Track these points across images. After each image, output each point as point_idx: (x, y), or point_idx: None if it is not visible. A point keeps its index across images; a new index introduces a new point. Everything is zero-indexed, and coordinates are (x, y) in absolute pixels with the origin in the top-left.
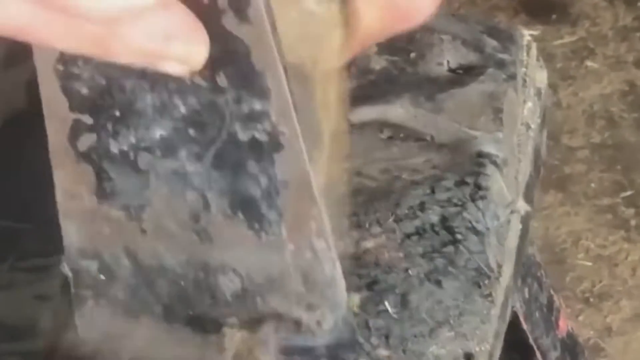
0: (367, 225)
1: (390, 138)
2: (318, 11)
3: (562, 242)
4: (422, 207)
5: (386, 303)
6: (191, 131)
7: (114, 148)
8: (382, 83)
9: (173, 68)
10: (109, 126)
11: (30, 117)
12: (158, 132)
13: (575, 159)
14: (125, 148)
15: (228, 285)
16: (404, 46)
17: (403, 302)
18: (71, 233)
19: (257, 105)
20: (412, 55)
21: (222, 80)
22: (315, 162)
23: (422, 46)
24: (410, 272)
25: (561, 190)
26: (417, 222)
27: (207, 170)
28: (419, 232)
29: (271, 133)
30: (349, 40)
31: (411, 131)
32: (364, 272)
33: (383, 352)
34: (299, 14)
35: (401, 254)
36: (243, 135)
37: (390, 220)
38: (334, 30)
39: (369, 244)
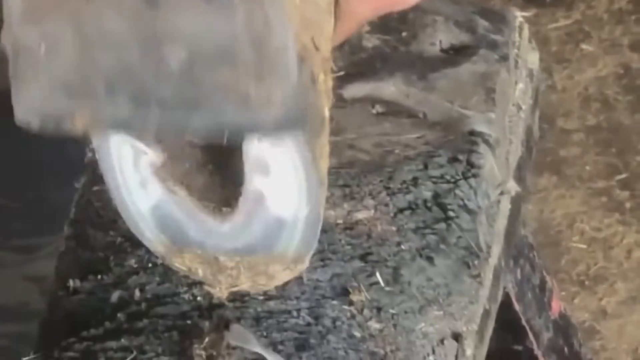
0: (359, 197)
1: (382, 114)
2: None
3: (557, 224)
4: (415, 182)
5: (378, 275)
6: None
7: None
8: (374, 61)
9: None
10: None
11: None
12: None
13: (571, 142)
14: None
15: (174, 55)
16: (396, 25)
17: (395, 275)
18: (12, 5)
19: None
20: (405, 34)
21: None
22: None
23: (414, 26)
24: (402, 246)
25: (556, 173)
26: (409, 197)
27: None
28: (412, 207)
29: None
30: (339, 23)
31: (403, 108)
32: (356, 243)
33: (375, 325)
34: (301, 2)
35: (394, 228)
36: None
37: (383, 193)
38: (329, 16)
39: (361, 215)
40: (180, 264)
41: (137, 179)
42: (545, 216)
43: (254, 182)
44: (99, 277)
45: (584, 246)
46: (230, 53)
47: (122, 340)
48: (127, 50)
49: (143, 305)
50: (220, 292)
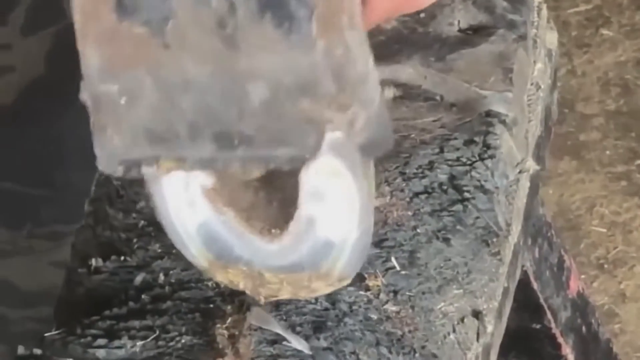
0: (376, 185)
1: (399, 98)
2: None
3: (577, 208)
4: (430, 166)
5: (393, 260)
6: None
7: None
8: (392, 43)
9: None
10: None
11: (49, 84)
12: None
13: (590, 127)
14: None
15: (256, 92)
16: None
17: (411, 259)
18: (90, 56)
19: None
20: (423, 15)
21: None
22: None
23: (433, 6)
24: (418, 230)
25: (576, 157)
26: (425, 181)
27: None
28: (428, 191)
29: None
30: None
31: (421, 91)
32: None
33: (392, 307)
34: None
35: (410, 213)
36: None
37: (399, 179)
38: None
39: (377, 202)
40: (222, 277)
41: (186, 199)
42: (565, 200)
43: (307, 208)
44: (122, 258)
45: (603, 230)
46: (312, 85)
47: (146, 320)
48: (208, 92)
49: (167, 288)
50: (258, 299)
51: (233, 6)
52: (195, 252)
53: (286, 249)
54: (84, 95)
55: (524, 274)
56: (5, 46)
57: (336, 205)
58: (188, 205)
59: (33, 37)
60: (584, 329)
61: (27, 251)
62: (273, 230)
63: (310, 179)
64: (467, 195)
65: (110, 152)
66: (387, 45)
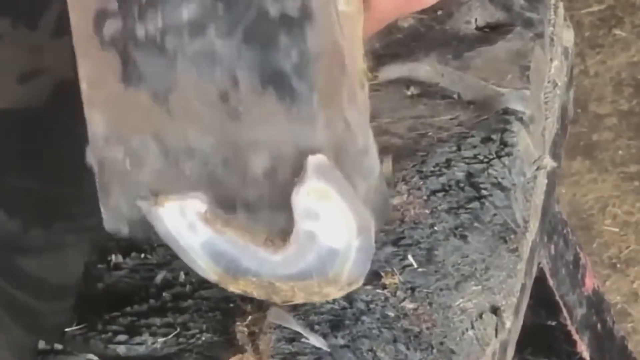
0: (393, 183)
1: (417, 95)
2: (347, 10)
3: (589, 208)
4: (448, 164)
5: (410, 257)
6: (220, 7)
7: (140, 32)
8: (409, 41)
9: None
10: (135, 9)
11: (78, 87)
12: (185, 11)
13: (603, 127)
14: (151, 31)
15: (258, 163)
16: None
17: (428, 256)
18: (96, 122)
19: None
20: (440, 12)
21: None
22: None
23: (450, 4)
24: (435, 227)
25: (588, 157)
26: (442, 179)
27: (237, 47)
28: (445, 189)
29: (302, 6)
30: (366, 23)
31: (438, 89)
32: (389, 229)
33: (409, 304)
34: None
35: (427, 210)
36: (273, 11)
37: (416, 177)
38: (359, 22)
39: (395, 201)
40: (235, 288)
41: (184, 223)
42: (577, 200)
43: (304, 225)
44: (142, 255)
45: (615, 230)
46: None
47: (166, 317)
48: (211, 160)
49: (188, 287)
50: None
51: (236, 80)
52: (205, 267)
53: (291, 259)
54: (90, 159)
55: (540, 271)
56: (36, 50)
57: (331, 222)
58: (188, 229)
59: (63, 40)
60: (599, 326)
61: (58, 247)
62: (276, 242)
63: (302, 200)
64: (484, 192)
65: (115, 212)
66: (405, 42)
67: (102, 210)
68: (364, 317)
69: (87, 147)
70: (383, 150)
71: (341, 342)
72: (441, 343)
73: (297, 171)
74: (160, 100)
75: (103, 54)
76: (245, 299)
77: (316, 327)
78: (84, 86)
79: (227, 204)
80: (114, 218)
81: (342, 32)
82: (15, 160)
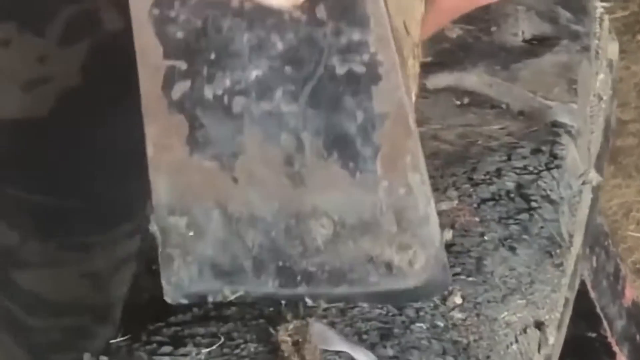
0: (443, 188)
1: (465, 104)
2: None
3: (613, 214)
4: (498, 173)
5: (461, 267)
6: (288, 69)
7: (208, 93)
8: (457, 51)
9: (277, 1)
10: (204, 70)
11: (84, 96)
12: (254, 73)
13: (627, 132)
14: (219, 92)
15: (320, 230)
16: (479, 15)
17: (478, 266)
18: (161, 189)
19: (356, 35)
20: (487, 24)
21: (321, 12)
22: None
23: (497, 16)
24: (485, 237)
25: (613, 162)
26: (493, 188)
27: (303, 110)
28: (495, 198)
29: (369, 64)
30: (429, 16)
31: (486, 98)
32: None
33: (458, 314)
34: None
35: (477, 219)
36: (340, 69)
37: (467, 184)
38: (420, 2)
39: (444, 206)
40: None
41: None
42: (601, 205)
43: None
44: None
45: (639, 235)
46: (374, 224)
47: (210, 327)
48: (274, 228)
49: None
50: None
51: (301, 144)
52: None
53: None
54: (153, 227)
55: (582, 283)
56: (42, 58)
57: None
58: None
59: (69, 48)
60: (638, 337)
61: (56, 263)
62: None
63: None
64: (533, 204)
65: (177, 285)
66: (452, 52)
67: (162, 280)
68: (413, 326)
69: (152, 215)
70: (432, 156)
71: (390, 352)
72: (488, 357)
73: (358, 239)
74: (225, 165)
75: (171, 117)
76: (286, 305)
77: (364, 336)
78: (150, 150)
79: (288, 277)
80: (174, 290)
81: (408, 92)
82: (17, 171)
